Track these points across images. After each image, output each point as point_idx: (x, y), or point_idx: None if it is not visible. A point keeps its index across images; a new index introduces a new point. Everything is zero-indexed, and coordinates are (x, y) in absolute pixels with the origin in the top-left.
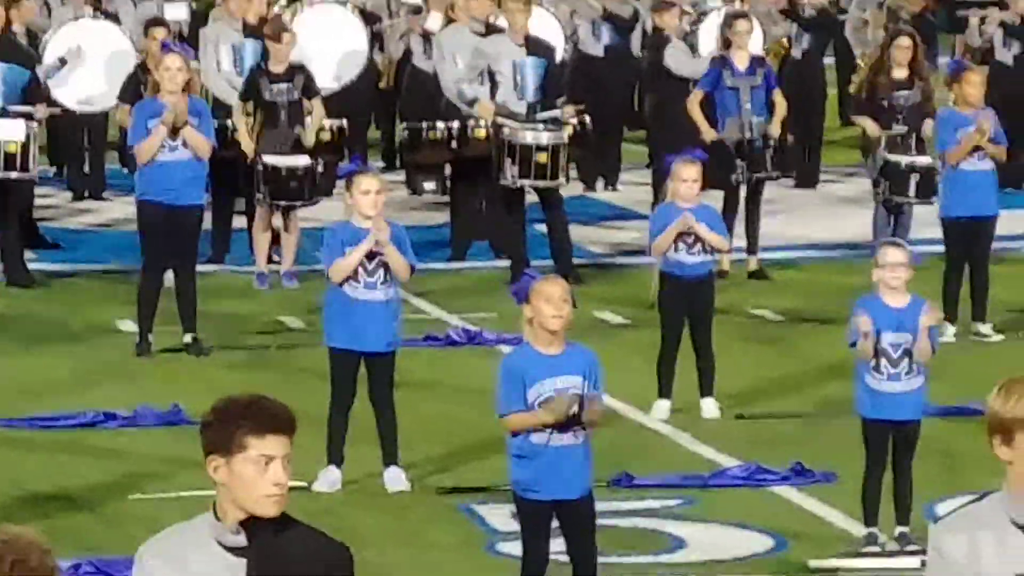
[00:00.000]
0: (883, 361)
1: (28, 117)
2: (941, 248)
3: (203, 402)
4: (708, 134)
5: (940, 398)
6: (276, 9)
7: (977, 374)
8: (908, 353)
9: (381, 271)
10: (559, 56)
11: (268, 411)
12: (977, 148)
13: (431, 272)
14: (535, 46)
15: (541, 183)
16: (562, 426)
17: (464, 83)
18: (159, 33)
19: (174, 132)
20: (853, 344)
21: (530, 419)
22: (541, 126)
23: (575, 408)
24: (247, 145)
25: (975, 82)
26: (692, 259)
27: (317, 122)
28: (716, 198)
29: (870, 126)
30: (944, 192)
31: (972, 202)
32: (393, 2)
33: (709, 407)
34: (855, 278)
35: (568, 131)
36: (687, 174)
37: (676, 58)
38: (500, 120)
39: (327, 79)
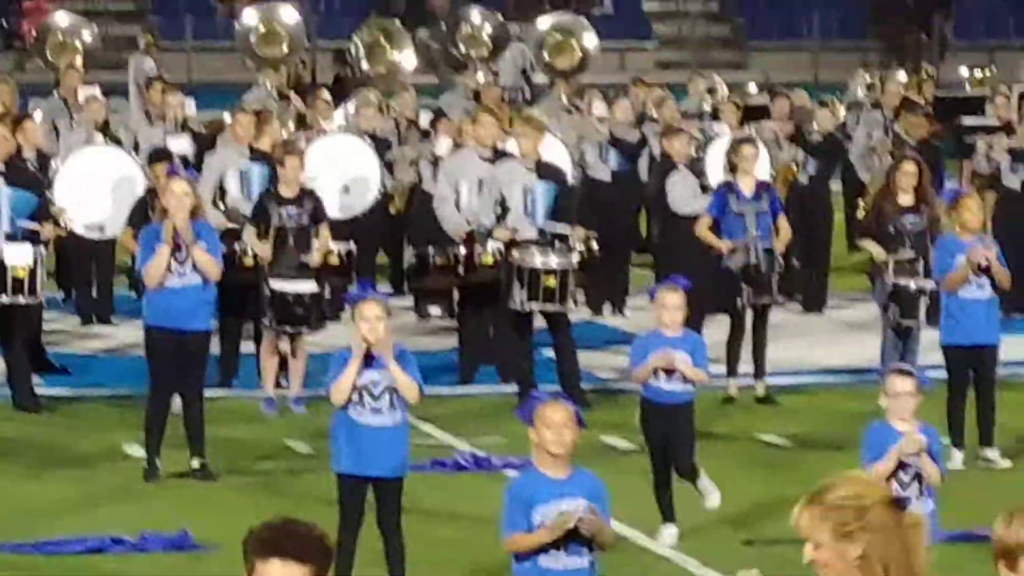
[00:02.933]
0: (894, 485)
1: (35, 239)
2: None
3: (211, 527)
4: (724, 246)
5: (948, 524)
6: (284, 135)
7: (985, 500)
8: (918, 477)
9: (387, 396)
10: (569, 180)
11: (274, 534)
12: (987, 272)
13: (438, 397)
14: (546, 171)
15: (550, 307)
16: (562, 543)
17: (481, 216)
18: (162, 168)
19: (177, 248)
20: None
21: (531, 539)
22: (550, 250)
23: (572, 523)
24: (262, 251)
25: (973, 208)
26: (671, 387)
27: (324, 246)
28: (722, 322)
29: (876, 250)
30: (944, 319)
31: (971, 330)
32: (405, 128)
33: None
34: (863, 403)
35: (576, 256)
36: (670, 301)
37: (678, 194)
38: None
39: (338, 209)
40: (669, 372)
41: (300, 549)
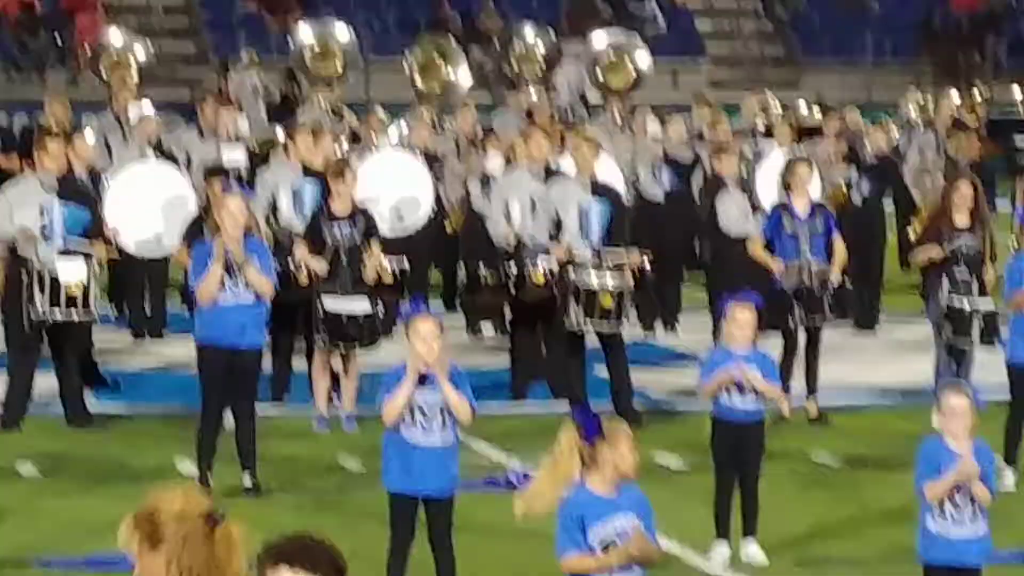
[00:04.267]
0: (947, 505)
1: (88, 255)
2: (1003, 393)
3: (261, 544)
4: (777, 267)
5: (1001, 544)
6: (337, 150)
7: None
8: (972, 497)
9: (440, 415)
10: (623, 199)
11: (284, 544)
12: None
13: (490, 415)
14: (601, 189)
15: (606, 327)
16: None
17: (536, 234)
18: (217, 184)
19: (230, 266)
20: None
21: (592, 562)
22: (605, 268)
23: (633, 551)
24: (318, 266)
25: None
26: (743, 404)
27: (376, 261)
28: (775, 342)
29: (935, 252)
30: (1012, 337)
31: None
32: (462, 146)
33: (751, 549)
34: (916, 423)
35: (630, 276)
36: (741, 317)
37: (728, 213)
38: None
39: (389, 226)
40: (740, 388)
41: (308, 558)
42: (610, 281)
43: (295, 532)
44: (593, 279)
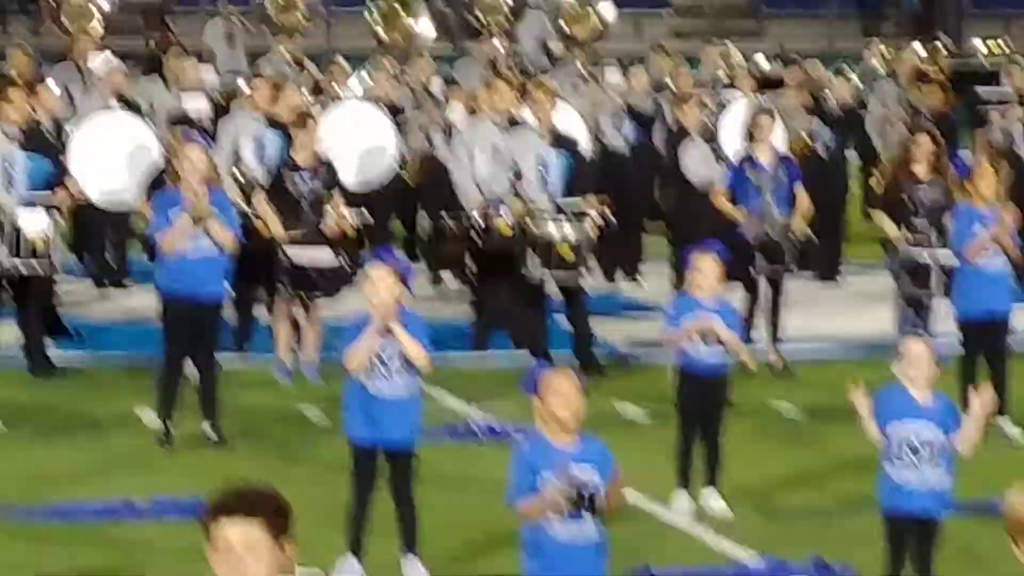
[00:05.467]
0: (906, 451)
1: (50, 205)
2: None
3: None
4: (740, 216)
5: (964, 493)
6: (299, 100)
7: (999, 472)
8: (934, 447)
9: (399, 362)
10: (583, 150)
11: (225, 495)
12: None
13: (451, 364)
14: (560, 140)
15: (563, 275)
16: (572, 514)
17: (495, 184)
18: (180, 132)
19: (197, 224)
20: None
21: (536, 503)
22: (564, 219)
23: (572, 493)
24: (278, 232)
25: (988, 175)
26: (709, 355)
27: (336, 211)
28: (737, 292)
29: (889, 226)
30: (959, 290)
31: (987, 298)
32: (419, 95)
33: (712, 497)
34: (878, 373)
35: (591, 225)
36: (704, 266)
37: (691, 162)
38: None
39: (353, 177)
40: (706, 339)
41: (245, 505)
42: (569, 231)
43: (231, 483)
44: (552, 229)
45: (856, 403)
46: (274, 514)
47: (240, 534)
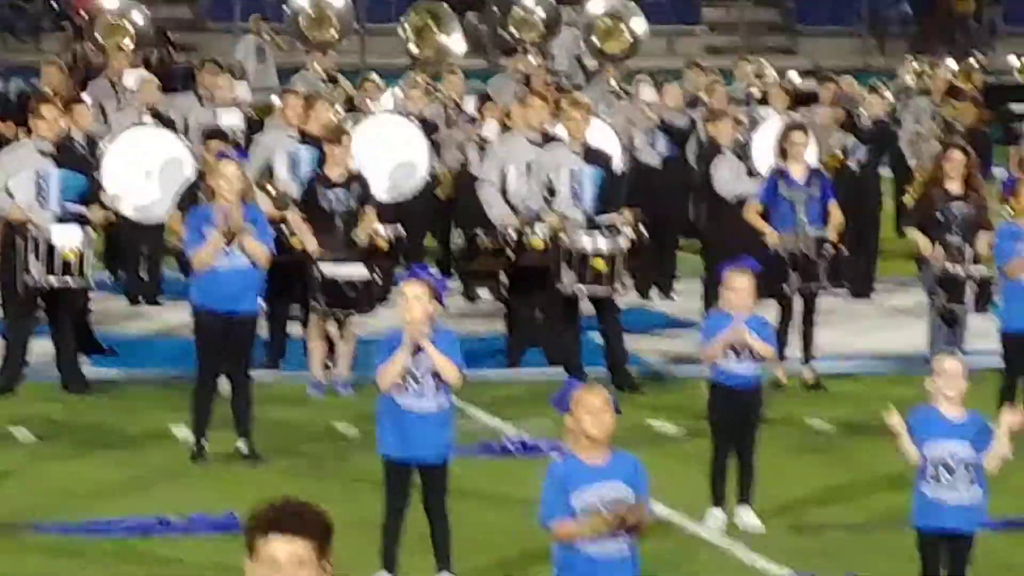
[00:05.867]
0: (942, 471)
1: (84, 221)
2: (996, 360)
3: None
4: (771, 236)
5: (999, 510)
6: (332, 116)
7: None
8: (968, 465)
9: (431, 379)
10: (616, 166)
11: (274, 511)
12: None
13: (486, 380)
14: (593, 155)
15: (598, 290)
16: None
17: (529, 200)
18: (216, 145)
19: (230, 240)
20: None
21: (570, 528)
22: (598, 233)
23: (610, 522)
24: (311, 245)
25: None
26: (741, 368)
27: (369, 227)
28: (771, 308)
29: (922, 241)
30: (1004, 306)
31: None
32: (451, 111)
33: (745, 515)
34: (910, 389)
35: (625, 240)
36: (738, 283)
37: (723, 177)
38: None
39: (386, 191)
40: (738, 353)
41: (299, 524)
42: (603, 244)
43: (278, 498)
44: (586, 243)
45: (892, 426)
46: (321, 534)
47: (289, 551)
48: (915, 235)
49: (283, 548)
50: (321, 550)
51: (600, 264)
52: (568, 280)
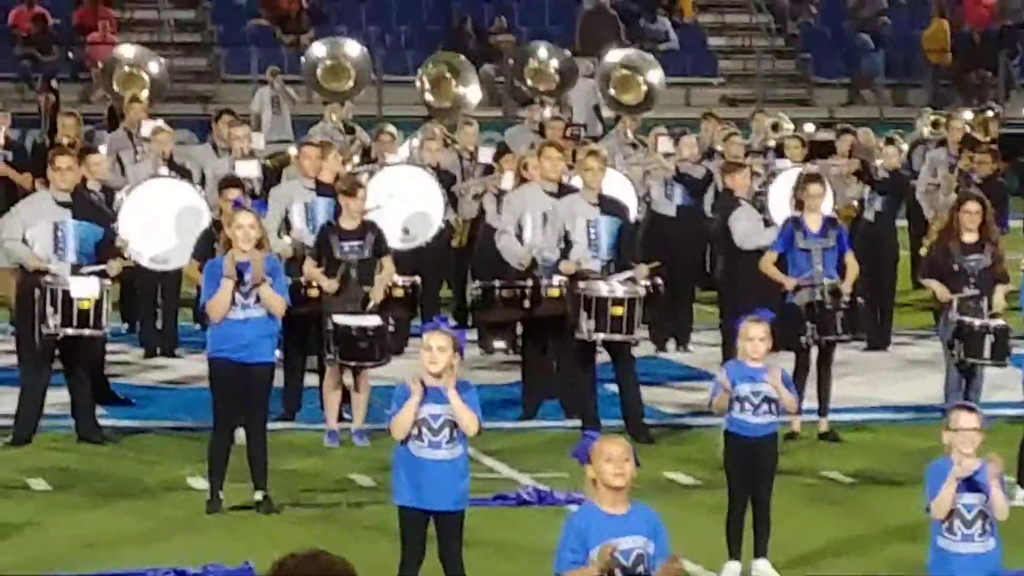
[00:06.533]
0: (956, 522)
1: (102, 275)
2: (1013, 411)
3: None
4: (788, 283)
5: (1012, 562)
6: (348, 168)
7: None
8: (983, 515)
9: (447, 430)
10: (632, 216)
11: (320, 564)
12: None
13: (502, 431)
14: (609, 205)
15: (617, 337)
16: None
17: (545, 251)
18: (232, 193)
19: (241, 281)
20: (928, 509)
21: (585, 573)
22: (616, 281)
23: (617, 560)
24: (327, 284)
25: None
26: (756, 420)
27: (386, 279)
28: (787, 360)
29: (939, 290)
30: None
31: None
32: (467, 162)
33: (762, 568)
34: (926, 440)
35: (642, 288)
36: (755, 333)
37: (741, 229)
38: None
39: (401, 240)
40: (756, 405)
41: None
42: (620, 291)
43: (307, 548)
44: (603, 289)
45: (952, 478)
46: None
47: None
48: (933, 285)
49: None
50: None
51: (619, 310)
52: (587, 327)
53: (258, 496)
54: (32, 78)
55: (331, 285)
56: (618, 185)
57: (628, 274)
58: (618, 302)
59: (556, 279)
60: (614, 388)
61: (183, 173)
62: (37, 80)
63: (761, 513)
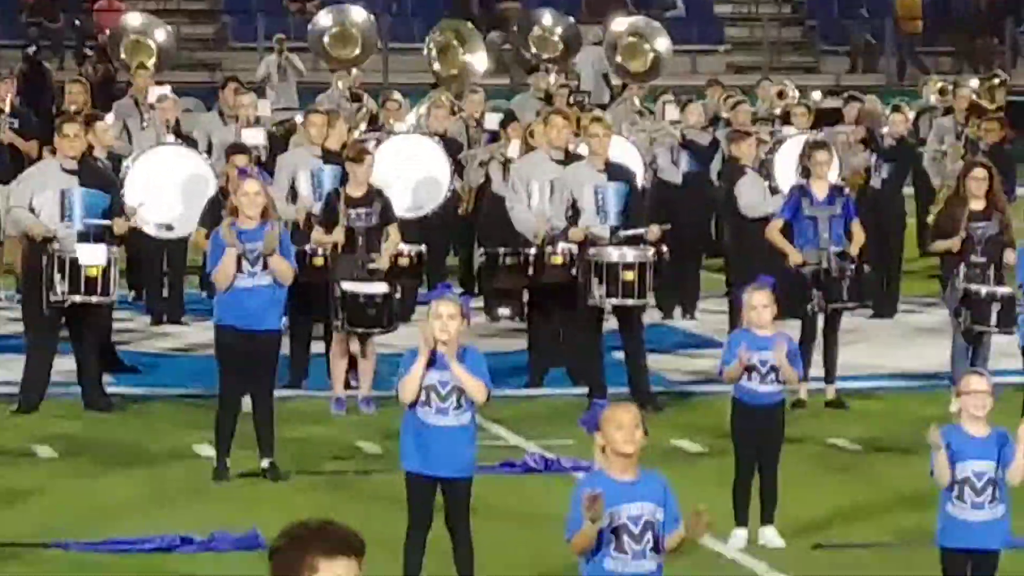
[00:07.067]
0: (966, 489)
1: (107, 237)
2: (1019, 378)
3: (280, 527)
4: (793, 256)
5: (1021, 530)
6: (356, 135)
7: None
8: (992, 482)
9: (455, 397)
10: (639, 183)
11: (338, 534)
12: None
13: (508, 399)
14: (616, 171)
15: (629, 301)
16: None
17: (554, 218)
18: (239, 160)
19: (265, 257)
20: (932, 472)
21: (585, 531)
22: (625, 246)
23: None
24: (335, 234)
25: None
26: (764, 388)
27: (392, 247)
28: (794, 327)
29: (946, 243)
30: None
31: None
32: (472, 130)
33: (769, 535)
34: (933, 408)
35: (651, 252)
36: (758, 300)
37: (747, 197)
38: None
39: (408, 208)
40: (763, 374)
41: (358, 545)
42: (631, 255)
43: (318, 519)
44: (613, 254)
45: (934, 442)
46: (360, 554)
47: (353, 572)
48: (941, 243)
49: (350, 570)
50: (361, 570)
51: (630, 275)
52: (599, 293)
53: (265, 464)
54: (38, 47)
55: (337, 233)
56: (624, 152)
57: (637, 231)
58: (629, 267)
59: (560, 246)
60: (620, 356)
61: (188, 141)
62: (41, 50)
63: (768, 481)
